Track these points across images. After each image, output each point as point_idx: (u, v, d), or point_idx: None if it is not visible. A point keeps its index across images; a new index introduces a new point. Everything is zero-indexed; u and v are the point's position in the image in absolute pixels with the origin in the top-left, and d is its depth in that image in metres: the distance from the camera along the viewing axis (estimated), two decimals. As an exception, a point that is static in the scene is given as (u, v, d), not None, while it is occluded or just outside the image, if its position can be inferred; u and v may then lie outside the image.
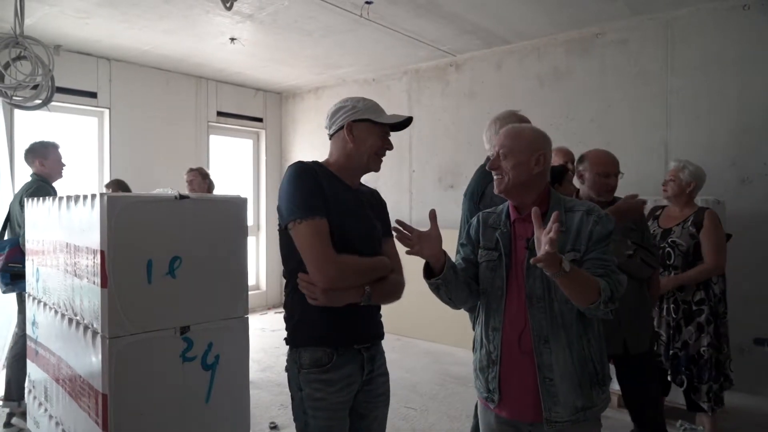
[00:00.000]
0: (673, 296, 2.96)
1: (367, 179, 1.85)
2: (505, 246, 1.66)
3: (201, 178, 4.35)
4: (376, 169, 1.76)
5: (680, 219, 3.02)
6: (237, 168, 6.98)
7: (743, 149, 3.85)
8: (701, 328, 2.90)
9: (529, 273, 1.57)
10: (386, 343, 1.81)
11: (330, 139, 1.76)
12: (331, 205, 1.60)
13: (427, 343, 5.26)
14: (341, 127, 1.70)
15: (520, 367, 1.58)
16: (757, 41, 3.79)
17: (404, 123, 1.73)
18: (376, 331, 1.76)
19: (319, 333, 1.63)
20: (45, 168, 3.54)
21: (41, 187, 3.41)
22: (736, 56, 3.89)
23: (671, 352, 2.95)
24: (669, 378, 3.00)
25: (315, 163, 1.72)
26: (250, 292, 2.26)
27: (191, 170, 4.42)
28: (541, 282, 1.55)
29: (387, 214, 1.87)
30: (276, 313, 6.58)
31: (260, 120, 6.99)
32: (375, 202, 1.84)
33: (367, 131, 1.70)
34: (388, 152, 1.77)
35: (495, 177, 1.66)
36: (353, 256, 1.60)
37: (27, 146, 3.60)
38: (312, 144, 6.78)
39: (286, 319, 1.71)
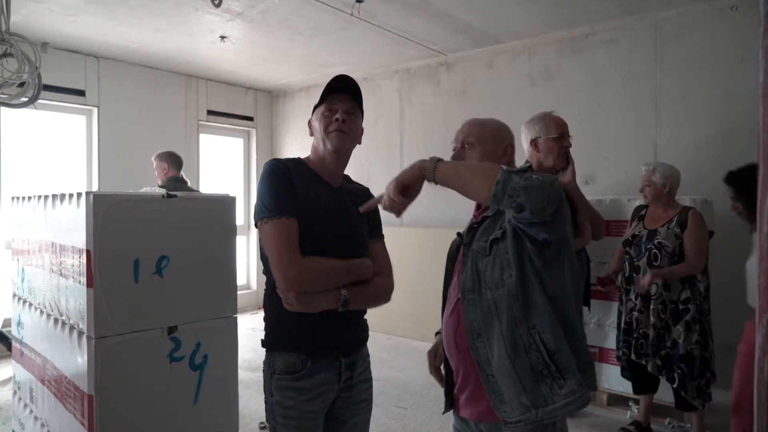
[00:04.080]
0: (660, 297, 2.98)
1: (358, 177, 1.84)
2: (452, 251, 1.59)
3: (158, 160, 4.06)
4: (335, 145, 1.62)
5: (665, 220, 3.05)
6: (227, 167, 6.94)
7: (731, 149, 3.87)
8: (689, 327, 2.92)
9: (463, 268, 1.46)
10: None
11: None
12: (304, 205, 1.54)
13: (417, 342, 5.25)
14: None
15: (463, 367, 1.46)
16: (745, 42, 3.82)
17: (344, 84, 1.65)
18: (357, 338, 1.68)
19: (294, 338, 1.56)
20: None
21: None
22: (724, 57, 3.92)
23: (663, 352, 2.96)
24: (663, 377, 3.01)
25: (295, 160, 1.66)
26: (240, 292, 2.25)
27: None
28: (472, 273, 1.41)
29: (377, 213, 1.75)
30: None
31: (251, 119, 6.96)
32: (363, 201, 1.68)
33: (316, 117, 1.67)
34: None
35: None
36: (322, 258, 1.51)
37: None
38: (302, 143, 6.75)
39: (264, 319, 1.66)
